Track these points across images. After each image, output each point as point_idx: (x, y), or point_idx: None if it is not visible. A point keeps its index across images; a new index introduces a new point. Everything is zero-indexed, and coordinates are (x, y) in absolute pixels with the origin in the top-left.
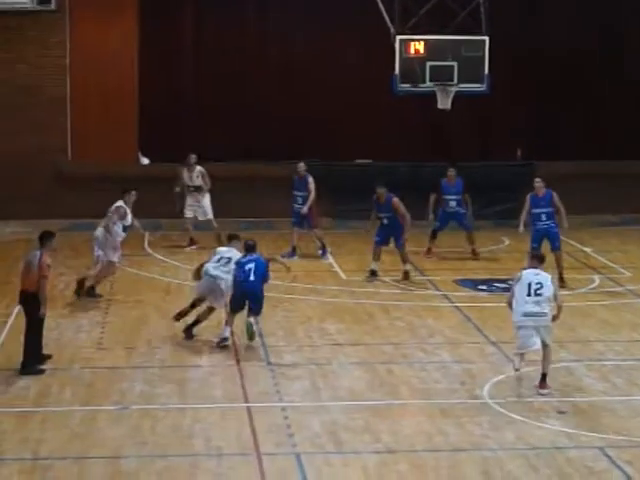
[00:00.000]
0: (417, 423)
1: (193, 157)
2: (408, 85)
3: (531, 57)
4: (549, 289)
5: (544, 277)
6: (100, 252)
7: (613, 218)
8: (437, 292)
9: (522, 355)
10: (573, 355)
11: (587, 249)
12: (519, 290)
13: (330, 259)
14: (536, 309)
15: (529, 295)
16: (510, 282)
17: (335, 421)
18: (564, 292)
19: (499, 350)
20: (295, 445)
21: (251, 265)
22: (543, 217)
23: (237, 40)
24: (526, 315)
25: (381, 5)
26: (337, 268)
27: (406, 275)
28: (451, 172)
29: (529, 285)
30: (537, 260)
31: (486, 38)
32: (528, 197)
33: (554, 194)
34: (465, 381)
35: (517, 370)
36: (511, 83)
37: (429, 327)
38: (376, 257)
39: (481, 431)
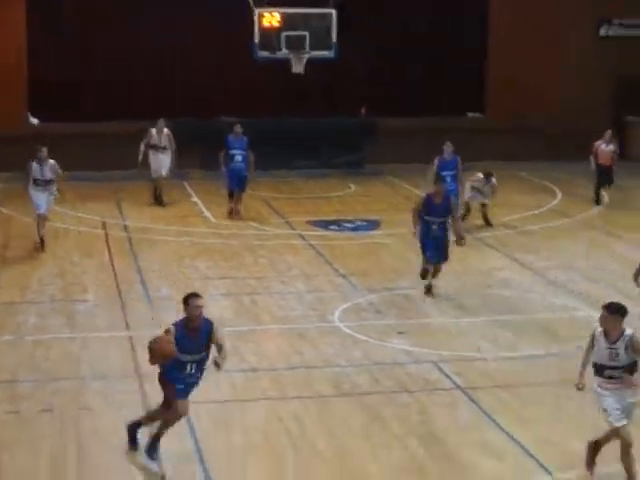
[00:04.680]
0: (277, 345)
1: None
2: (267, 53)
3: (373, 25)
4: None
5: None
6: None
7: None
8: (293, 231)
9: None
10: (409, 283)
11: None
12: None
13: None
14: None
15: None
16: (355, 222)
17: None
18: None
19: (347, 281)
20: None
21: None
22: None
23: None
24: None
25: None
26: (207, 213)
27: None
28: (237, 128)
29: None
30: None
31: (333, 10)
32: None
33: (458, 158)
34: (318, 308)
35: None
36: (355, 48)
37: (287, 262)
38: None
39: (332, 350)
